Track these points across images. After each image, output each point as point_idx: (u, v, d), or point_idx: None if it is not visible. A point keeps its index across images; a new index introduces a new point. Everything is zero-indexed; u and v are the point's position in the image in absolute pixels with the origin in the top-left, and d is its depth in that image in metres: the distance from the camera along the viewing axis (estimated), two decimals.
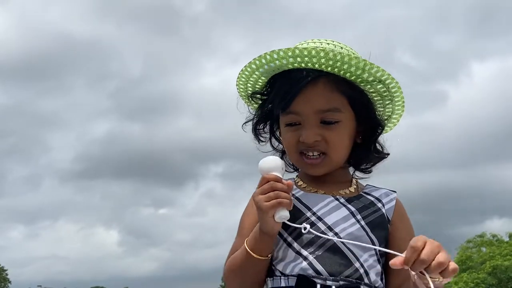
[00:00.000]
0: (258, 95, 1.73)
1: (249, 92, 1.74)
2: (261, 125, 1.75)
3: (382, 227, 1.61)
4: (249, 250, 1.54)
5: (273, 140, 1.77)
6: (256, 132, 1.75)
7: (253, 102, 1.75)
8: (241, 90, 1.75)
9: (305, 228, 1.49)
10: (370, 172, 1.74)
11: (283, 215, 1.48)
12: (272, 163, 1.53)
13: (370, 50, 1.62)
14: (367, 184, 1.74)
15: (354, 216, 1.59)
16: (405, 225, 1.68)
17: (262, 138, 1.76)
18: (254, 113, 1.76)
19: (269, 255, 1.56)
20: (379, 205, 1.64)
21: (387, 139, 1.75)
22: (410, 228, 1.69)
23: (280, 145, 1.76)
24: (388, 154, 1.73)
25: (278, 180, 1.49)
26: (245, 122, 1.77)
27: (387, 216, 1.64)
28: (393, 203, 1.67)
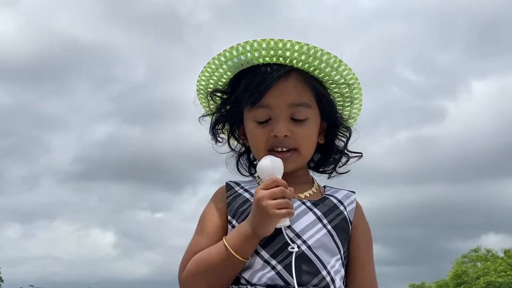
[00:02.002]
0: (219, 94, 1.68)
1: (210, 89, 1.69)
2: (220, 125, 1.71)
3: (345, 229, 1.60)
4: (232, 251, 1.47)
5: (232, 141, 1.74)
6: (214, 132, 1.71)
7: (211, 101, 1.70)
8: (202, 86, 1.70)
9: (292, 248, 1.48)
10: (330, 173, 1.72)
11: (286, 223, 1.47)
12: (280, 166, 1.50)
13: (341, 52, 1.60)
14: (325, 185, 1.71)
15: (320, 220, 1.56)
16: (363, 229, 1.67)
17: (219, 139, 1.72)
18: (214, 112, 1.70)
19: (249, 257, 1.51)
20: (341, 207, 1.62)
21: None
22: (368, 232, 1.69)
23: (239, 146, 1.73)
24: (359, 154, 1.71)
25: (286, 186, 1.47)
26: (203, 116, 1.71)
27: (349, 219, 1.62)
28: (354, 205, 1.66)
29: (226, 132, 1.73)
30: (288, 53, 1.54)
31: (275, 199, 1.44)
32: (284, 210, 1.44)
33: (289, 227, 1.51)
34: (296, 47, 1.53)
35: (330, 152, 1.70)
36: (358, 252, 1.63)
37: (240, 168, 1.74)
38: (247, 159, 1.74)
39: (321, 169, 1.73)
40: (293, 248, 1.47)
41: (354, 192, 1.70)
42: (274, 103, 1.56)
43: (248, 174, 1.74)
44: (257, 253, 1.51)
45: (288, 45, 1.52)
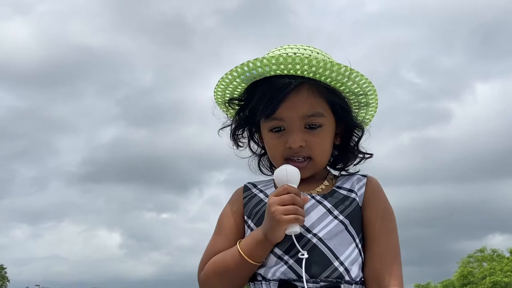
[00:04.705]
0: (236, 101, 1.74)
1: (227, 98, 1.75)
2: (239, 130, 1.76)
3: (358, 217, 1.62)
4: (245, 256, 1.55)
5: (252, 144, 1.79)
6: (235, 138, 1.77)
7: (229, 108, 1.76)
8: (218, 96, 1.76)
9: (302, 255, 1.51)
10: (347, 170, 1.75)
11: (295, 230, 1.50)
12: (295, 174, 1.56)
13: (349, 58, 1.64)
14: (340, 174, 1.74)
15: (331, 212, 1.59)
16: (375, 202, 1.65)
17: (240, 144, 1.78)
18: (232, 119, 1.77)
19: (263, 261, 1.57)
20: (353, 195, 1.64)
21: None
22: (380, 204, 1.66)
23: (259, 149, 1.78)
24: (370, 154, 1.74)
25: (298, 194, 1.52)
26: (222, 128, 1.77)
27: (359, 203, 1.64)
28: (363, 188, 1.66)
29: (246, 137, 1.79)
30: (298, 66, 1.57)
31: (285, 205, 1.49)
32: (291, 216, 1.48)
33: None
34: (305, 61, 1.56)
35: (345, 152, 1.74)
36: (370, 226, 1.62)
37: (262, 168, 1.81)
38: (268, 160, 1.78)
39: (337, 167, 1.76)
40: (303, 255, 1.51)
41: (365, 176, 1.71)
42: (287, 116, 1.61)
43: (271, 173, 1.78)
44: (271, 251, 1.56)
45: (297, 59, 1.56)
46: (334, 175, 1.75)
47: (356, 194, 1.65)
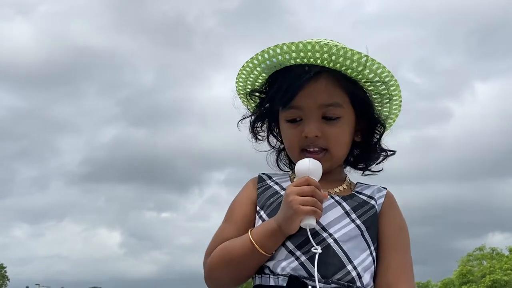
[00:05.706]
0: (257, 93, 1.71)
1: (248, 89, 1.72)
2: (259, 123, 1.73)
3: (375, 225, 1.58)
4: (256, 245, 1.49)
5: (271, 138, 1.76)
6: (254, 130, 1.74)
7: (250, 100, 1.73)
8: (240, 87, 1.74)
9: (316, 249, 1.46)
10: (367, 170, 1.71)
11: (311, 223, 1.46)
12: (318, 168, 1.51)
13: (367, 46, 1.60)
14: (357, 182, 1.70)
15: (348, 215, 1.55)
16: (391, 216, 1.62)
17: (259, 137, 1.75)
18: (252, 111, 1.74)
19: (273, 252, 1.52)
20: (372, 202, 1.61)
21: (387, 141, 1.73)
22: (397, 219, 1.64)
23: (278, 143, 1.75)
24: (392, 152, 1.71)
25: (319, 187, 1.48)
26: (242, 119, 1.74)
27: (377, 211, 1.60)
28: (383, 198, 1.63)
29: (264, 130, 1.75)
30: (317, 55, 1.54)
31: (303, 196, 1.45)
32: (309, 208, 1.44)
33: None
34: (325, 49, 1.52)
35: (367, 150, 1.70)
36: (386, 238, 1.58)
37: (280, 164, 1.76)
38: (286, 156, 1.74)
39: (359, 166, 1.73)
40: (316, 249, 1.46)
41: (385, 188, 1.68)
42: (304, 104, 1.58)
43: (289, 169, 1.75)
44: (282, 243, 1.51)
45: (317, 47, 1.52)
46: (352, 181, 1.71)
47: (376, 202, 1.61)
